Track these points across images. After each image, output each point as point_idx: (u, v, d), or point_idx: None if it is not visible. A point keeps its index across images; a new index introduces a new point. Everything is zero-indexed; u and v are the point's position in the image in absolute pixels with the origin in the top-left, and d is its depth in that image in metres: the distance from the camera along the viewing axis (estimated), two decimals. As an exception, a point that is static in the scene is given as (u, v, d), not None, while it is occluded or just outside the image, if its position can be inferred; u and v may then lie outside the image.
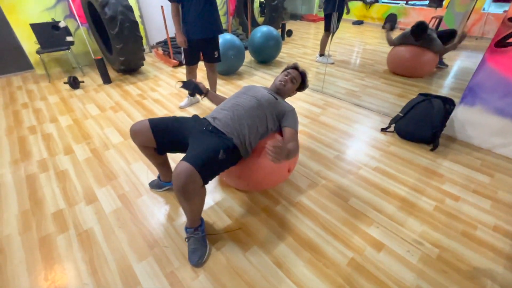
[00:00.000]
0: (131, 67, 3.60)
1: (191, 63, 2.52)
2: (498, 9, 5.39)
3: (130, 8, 3.16)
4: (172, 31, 4.87)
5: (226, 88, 3.29)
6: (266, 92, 1.51)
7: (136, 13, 4.26)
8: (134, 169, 1.95)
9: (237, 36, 4.27)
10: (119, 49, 3.23)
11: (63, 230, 1.49)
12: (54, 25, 3.37)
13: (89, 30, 3.94)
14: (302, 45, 5.35)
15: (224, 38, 3.31)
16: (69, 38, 3.47)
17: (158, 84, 3.42)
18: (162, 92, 3.20)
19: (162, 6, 3.72)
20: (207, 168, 1.15)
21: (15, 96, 3.11)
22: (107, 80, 3.41)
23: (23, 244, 1.42)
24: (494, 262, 1.31)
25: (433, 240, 1.41)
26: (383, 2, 6.85)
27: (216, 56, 2.54)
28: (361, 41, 5.63)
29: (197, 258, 1.29)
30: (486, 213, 1.57)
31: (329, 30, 3.89)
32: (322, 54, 4.22)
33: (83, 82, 3.37)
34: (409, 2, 6.50)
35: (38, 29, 3.30)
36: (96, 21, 3.64)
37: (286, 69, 1.71)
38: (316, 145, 2.20)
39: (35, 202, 1.67)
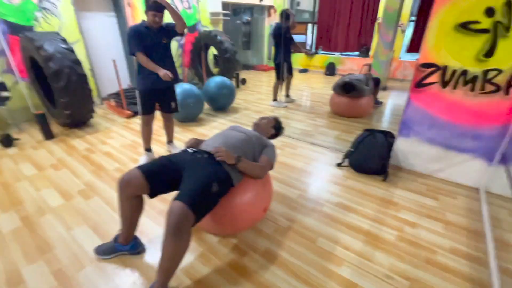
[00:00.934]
0: (79, 120, 3.37)
1: (147, 112, 2.44)
2: (412, 58, 6.60)
3: (78, 62, 3.08)
4: (125, 82, 4.84)
5: (184, 136, 3.24)
6: (252, 130, 1.76)
7: (86, 66, 4.17)
8: (76, 235, 1.67)
9: (194, 85, 4.38)
10: (64, 102, 3.03)
11: (-32, 332, 1.14)
12: (-14, 81, 3.08)
13: (30, 84, 3.68)
14: (256, 91, 5.71)
15: (182, 88, 3.41)
16: (4, 94, 3.17)
17: (109, 136, 3.22)
18: (114, 144, 3.00)
19: (114, 60, 3.71)
20: (200, 204, 1.18)
21: None
22: (49, 135, 3.10)
23: None
24: (459, 287, 1.34)
25: (402, 272, 1.42)
26: (322, 53, 7.90)
27: (173, 106, 2.54)
28: (308, 86, 6.25)
29: None
30: (441, 236, 1.66)
31: (279, 78, 4.26)
32: (275, 99, 4.53)
33: (18, 139, 3.01)
34: (343, 53, 7.60)
35: (-35, 85, 2.97)
36: (38, 75, 3.43)
37: None
38: (278, 186, 2.19)
39: None
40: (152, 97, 2.39)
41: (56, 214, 1.87)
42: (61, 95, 2.99)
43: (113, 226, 1.75)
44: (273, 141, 2.83)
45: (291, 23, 3.91)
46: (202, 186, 1.22)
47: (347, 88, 3.69)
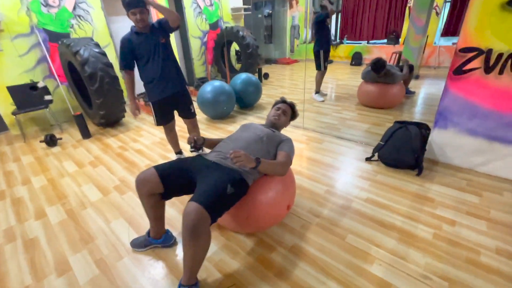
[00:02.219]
0: (112, 119, 3.58)
1: (164, 123, 2.31)
2: (447, 42, 6.09)
3: (110, 65, 3.26)
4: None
5: (214, 134, 3.30)
6: (264, 127, 1.62)
7: (117, 68, 4.40)
8: (114, 227, 1.79)
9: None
10: (99, 103, 3.23)
11: (27, 312, 1.28)
12: (32, 86, 3.37)
13: (68, 88, 3.97)
14: (279, 85, 5.65)
15: (213, 85, 3.45)
16: (47, 97, 3.46)
17: (140, 135, 3.38)
18: (144, 142, 3.15)
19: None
20: (215, 205, 1.17)
21: (-16, 160, 2.94)
22: (86, 134, 3.34)
23: (-25, 338, 1.18)
24: (506, 290, 1.23)
25: (440, 272, 1.33)
26: (347, 43, 7.58)
27: (192, 110, 2.34)
28: (333, 77, 6.05)
29: None
30: (485, 236, 1.54)
31: (319, 68, 4.15)
32: (317, 92, 4.42)
33: (60, 139, 3.28)
34: (370, 42, 7.23)
35: (15, 91, 3.28)
36: (76, 79, 3.69)
37: (275, 104, 1.84)
38: (304, 181, 2.16)
39: (-4, 281, 1.46)
40: (166, 106, 2.22)
41: (96, 207, 2.01)
42: (96, 96, 3.19)
43: (146, 219, 1.82)
44: (295, 135, 2.79)
45: (329, 10, 3.83)
46: (217, 187, 1.21)
47: (378, 66, 3.46)
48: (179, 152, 2.60)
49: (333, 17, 7.63)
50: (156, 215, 1.48)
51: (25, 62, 3.55)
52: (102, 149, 3.02)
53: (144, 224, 1.80)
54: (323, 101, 4.34)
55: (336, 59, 7.90)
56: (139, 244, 1.58)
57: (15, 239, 1.75)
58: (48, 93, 3.50)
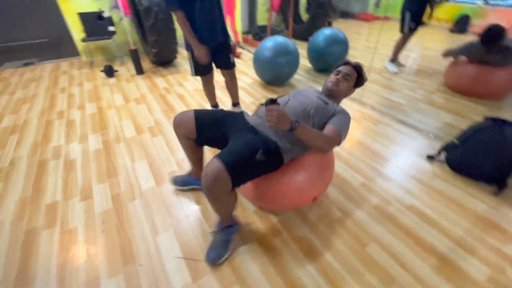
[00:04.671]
0: (164, 59, 3.61)
1: (203, 74, 2.16)
2: None
3: (166, 0, 3.12)
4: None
5: (262, 98, 3.06)
6: (315, 97, 1.30)
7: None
8: (137, 168, 1.86)
9: (277, 33, 3.99)
10: (152, 40, 3.23)
11: (50, 225, 1.44)
12: (99, 15, 3.52)
13: (131, 21, 4.06)
14: (350, 47, 4.84)
15: (275, 41, 2.89)
16: (111, 28, 3.60)
17: (186, 79, 3.36)
18: (188, 87, 3.12)
19: None
20: (239, 169, 1.04)
21: (58, 80, 3.33)
22: (140, 71, 3.46)
23: (11, 233, 1.40)
24: None
25: (479, 329, 1.02)
26: (455, 1, 5.88)
27: (232, 60, 2.16)
28: (419, 45, 4.90)
29: (215, 255, 1.24)
30: None
31: (402, 30, 3.34)
32: (392, 60, 3.66)
33: (117, 71, 3.47)
34: (489, 2, 5.46)
35: (85, 18, 3.48)
36: (136, 13, 3.71)
37: (336, 67, 1.45)
38: (339, 166, 1.85)
39: (37, 190, 1.68)
40: None
41: (127, 144, 2.10)
42: (150, 33, 3.17)
43: (167, 167, 1.86)
44: (348, 110, 2.32)
45: None
46: (247, 149, 1.09)
47: (491, 37, 2.51)
48: (215, 105, 2.47)
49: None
50: (195, 157, 1.50)
51: (95, -10, 3.67)
52: (149, 88, 3.10)
53: (163, 170, 1.82)
54: (396, 72, 3.57)
55: (432, 22, 6.30)
56: (180, 182, 1.64)
57: (60, 157, 1.97)
58: (112, 24, 3.63)
